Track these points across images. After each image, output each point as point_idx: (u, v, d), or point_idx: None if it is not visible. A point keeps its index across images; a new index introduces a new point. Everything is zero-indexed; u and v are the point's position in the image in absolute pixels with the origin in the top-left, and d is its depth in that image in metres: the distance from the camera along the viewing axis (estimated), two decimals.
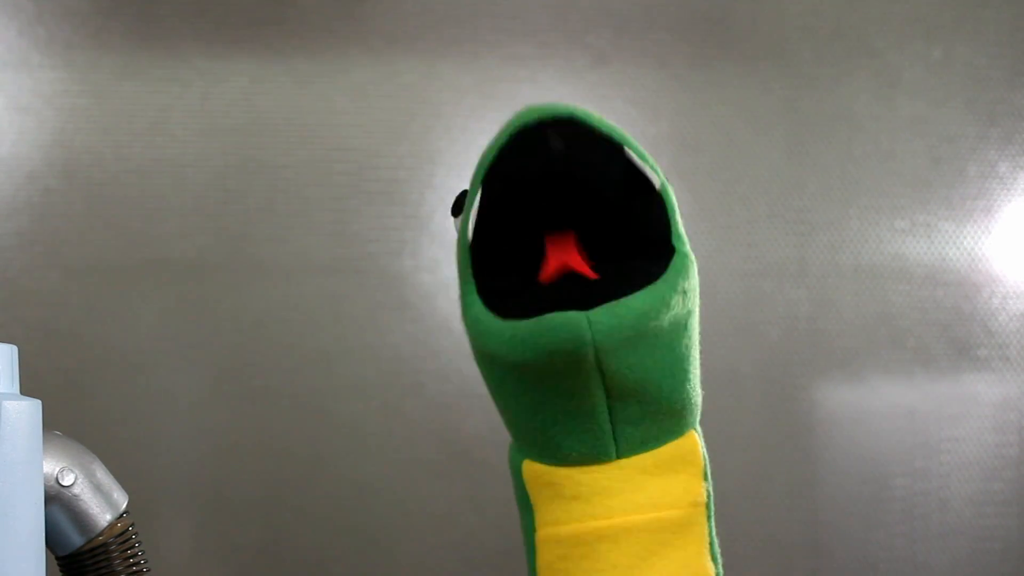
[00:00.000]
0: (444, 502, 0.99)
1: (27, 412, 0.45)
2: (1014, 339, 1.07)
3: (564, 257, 0.44)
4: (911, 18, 1.08)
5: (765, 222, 1.05)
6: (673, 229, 0.46)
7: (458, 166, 1.02)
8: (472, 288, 0.47)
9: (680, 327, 0.46)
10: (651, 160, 0.46)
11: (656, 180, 0.46)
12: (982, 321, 1.07)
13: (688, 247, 0.47)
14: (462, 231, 0.47)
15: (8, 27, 0.98)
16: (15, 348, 0.48)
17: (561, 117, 0.44)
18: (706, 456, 0.49)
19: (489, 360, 0.47)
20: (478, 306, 0.46)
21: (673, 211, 0.47)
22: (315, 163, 1.00)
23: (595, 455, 0.46)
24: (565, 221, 0.44)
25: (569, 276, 0.44)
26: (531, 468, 0.49)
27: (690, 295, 0.47)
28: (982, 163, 1.08)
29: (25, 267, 0.97)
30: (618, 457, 0.46)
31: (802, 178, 1.06)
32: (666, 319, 0.45)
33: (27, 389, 0.49)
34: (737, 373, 1.02)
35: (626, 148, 0.45)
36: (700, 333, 0.49)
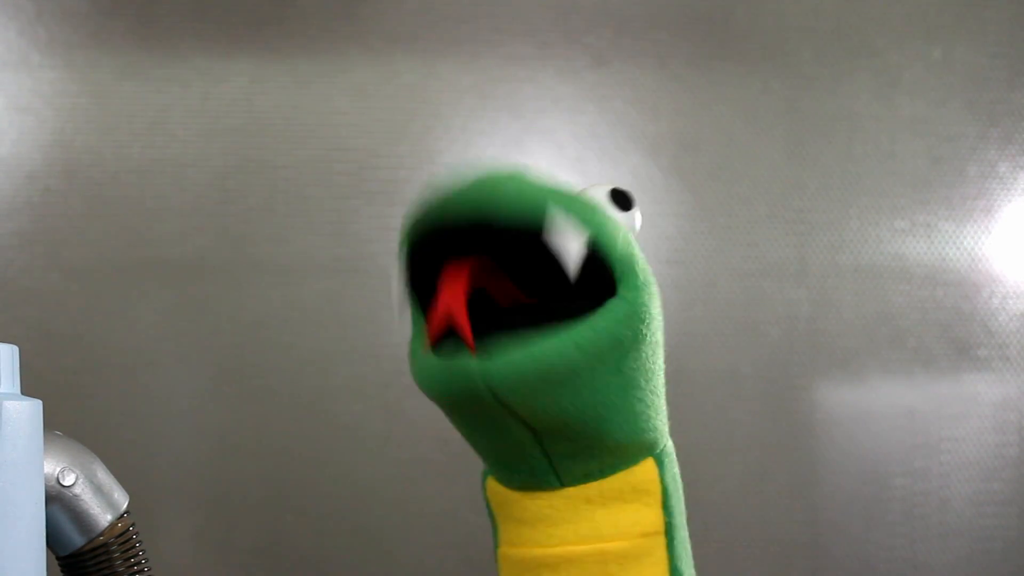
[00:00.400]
0: (444, 502, 0.99)
1: (28, 412, 0.45)
2: (1014, 339, 1.07)
3: (449, 302, 0.41)
4: (911, 18, 1.08)
5: (765, 222, 1.05)
6: (620, 274, 0.42)
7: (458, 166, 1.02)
8: (419, 329, 0.46)
9: (609, 367, 0.42)
10: (597, 221, 0.42)
11: (571, 270, 0.41)
12: (982, 321, 1.07)
13: (643, 289, 0.43)
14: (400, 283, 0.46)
15: (8, 27, 0.98)
16: (16, 348, 0.48)
17: (470, 215, 0.41)
18: (670, 483, 0.46)
19: (425, 392, 0.46)
20: (416, 342, 0.45)
21: (619, 259, 0.43)
22: (315, 163, 1.00)
23: (537, 483, 0.45)
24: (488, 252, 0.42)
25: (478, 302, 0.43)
26: (492, 486, 0.48)
27: (637, 339, 0.43)
28: (982, 163, 1.08)
29: (25, 267, 0.97)
30: (562, 486, 0.45)
31: (802, 178, 1.06)
32: (577, 360, 0.41)
33: (27, 389, 0.49)
34: (737, 373, 1.02)
35: (546, 235, 0.41)
36: (665, 358, 0.46)
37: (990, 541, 1.06)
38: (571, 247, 0.41)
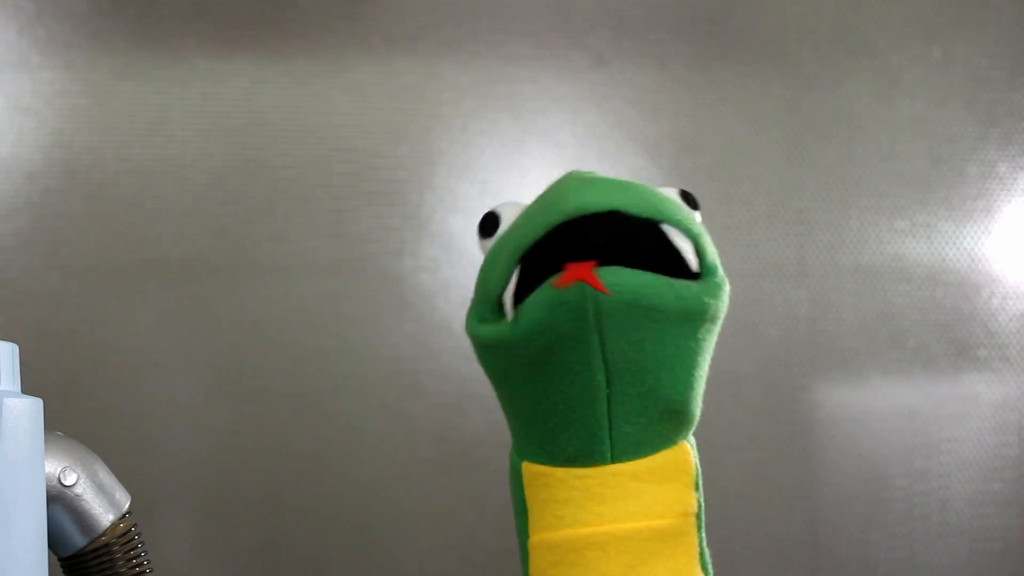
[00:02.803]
0: (444, 502, 0.99)
1: (28, 410, 0.45)
2: (1014, 339, 1.07)
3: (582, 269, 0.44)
4: (911, 18, 1.08)
5: (765, 222, 1.05)
6: (706, 272, 0.48)
7: (458, 166, 1.02)
8: (477, 307, 0.49)
9: (691, 325, 0.46)
10: (696, 231, 0.48)
11: (695, 264, 0.47)
12: (982, 321, 1.07)
13: (724, 279, 0.48)
14: (488, 286, 0.48)
15: (8, 27, 0.98)
16: (15, 347, 0.48)
17: (601, 212, 0.45)
18: (699, 467, 0.49)
19: (493, 351, 0.48)
20: (476, 319, 0.48)
21: (712, 264, 0.48)
22: (315, 163, 1.00)
23: (590, 454, 0.47)
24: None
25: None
26: (530, 469, 0.49)
27: (713, 317, 0.47)
28: (982, 163, 1.08)
29: (25, 267, 0.97)
30: (612, 461, 0.46)
31: (802, 178, 1.06)
32: (673, 306, 0.45)
33: (27, 389, 0.49)
34: (737, 373, 1.02)
35: (667, 230, 0.46)
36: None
37: (990, 542, 1.06)
38: (685, 246, 0.47)
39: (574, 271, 0.44)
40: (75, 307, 0.97)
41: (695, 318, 0.46)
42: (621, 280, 0.44)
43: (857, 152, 1.07)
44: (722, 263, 0.49)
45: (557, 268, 0.45)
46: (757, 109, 1.06)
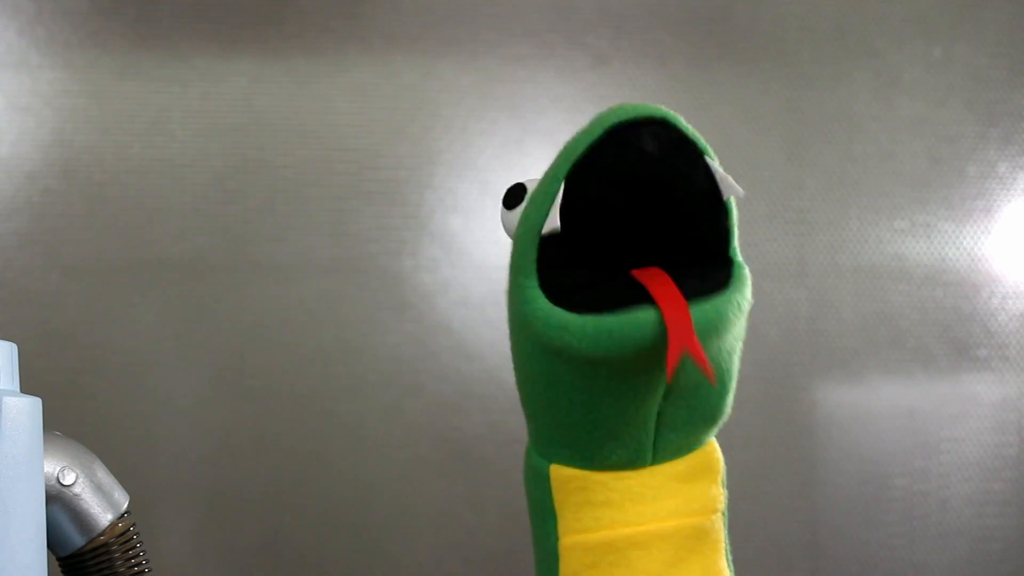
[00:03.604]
0: (444, 502, 0.99)
1: (27, 409, 0.45)
2: (1014, 339, 1.07)
3: (685, 338, 0.43)
4: (911, 18, 1.08)
5: (765, 222, 1.05)
6: (732, 241, 0.47)
7: (458, 166, 1.02)
8: (535, 282, 0.45)
9: (737, 338, 0.47)
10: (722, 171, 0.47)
11: (733, 191, 0.46)
12: (982, 321, 1.07)
13: (742, 259, 0.48)
14: (531, 221, 0.45)
15: (8, 27, 0.98)
16: (14, 346, 0.48)
17: (655, 118, 0.44)
18: (724, 463, 0.50)
19: (555, 354, 0.45)
20: (544, 300, 0.45)
21: (735, 225, 0.47)
22: (315, 163, 1.00)
23: (633, 461, 0.46)
24: (641, 223, 0.44)
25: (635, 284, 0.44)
26: (561, 472, 0.48)
27: (749, 307, 0.48)
28: (982, 163, 1.08)
29: (25, 267, 0.97)
30: (652, 463, 0.46)
31: (802, 178, 1.06)
32: (737, 326, 0.46)
33: (27, 389, 0.49)
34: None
35: (706, 156, 0.46)
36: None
37: (990, 541, 1.06)
38: (725, 188, 0.46)
39: (668, 309, 0.42)
40: (75, 307, 0.97)
41: (740, 331, 0.47)
42: (706, 317, 0.43)
43: (857, 152, 1.07)
44: None
45: (609, 183, 0.44)
46: (757, 109, 1.06)
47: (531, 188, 0.48)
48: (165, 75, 0.99)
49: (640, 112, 0.44)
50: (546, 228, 0.44)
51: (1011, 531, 1.06)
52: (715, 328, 0.44)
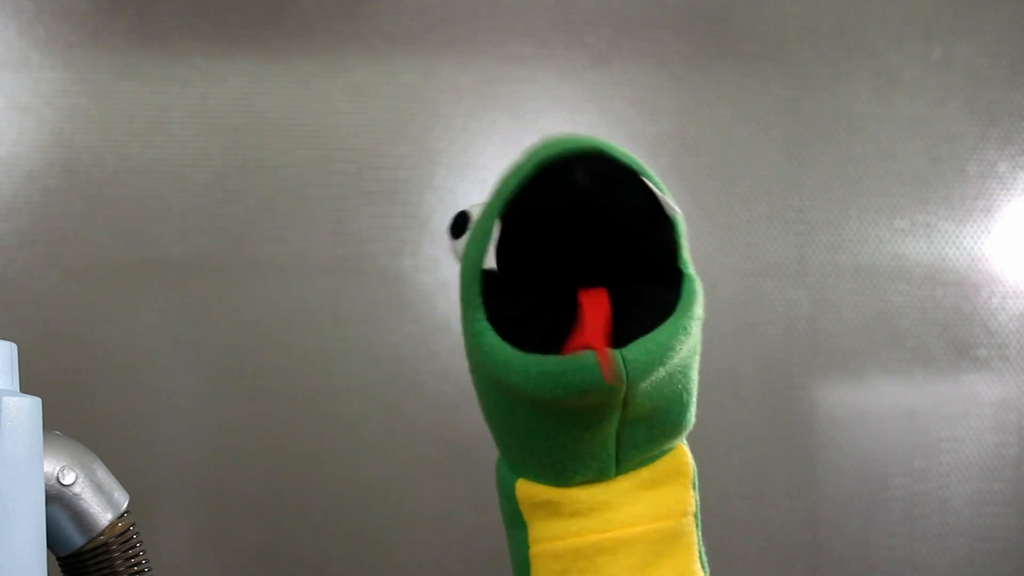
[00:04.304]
0: (444, 502, 0.99)
1: (27, 409, 0.45)
2: (1014, 339, 1.07)
3: (594, 335, 0.43)
4: (911, 18, 1.08)
5: (765, 222, 1.05)
6: (680, 254, 0.47)
7: (458, 166, 1.02)
8: (482, 315, 0.46)
9: (692, 352, 0.47)
10: (665, 188, 0.47)
11: (673, 211, 0.45)
12: (982, 321, 1.07)
13: (694, 271, 0.47)
14: (472, 256, 0.46)
15: (8, 27, 0.98)
16: (14, 346, 0.48)
17: (586, 150, 0.44)
18: (695, 467, 0.50)
19: (505, 390, 0.46)
20: (491, 335, 0.45)
21: (682, 237, 0.47)
22: (315, 163, 1.00)
23: (597, 477, 0.47)
24: (583, 249, 0.44)
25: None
26: (527, 488, 0.49)
27: (701, 320, 0.47)
28: (982, 163, 1.08)
29: (25, 267, 0.97)
30: (617, 474, 0.47)
31: (802, 178, 1.06)
32: (686, 348, 0.45)
33: (27, 389, 0.49)
34: (737, 373, 1.02)
35: (645, 179, 0.45)
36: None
37: (990, 541, 1.06)
38: (666, 206, 0.45)
39: (600, 351, 0.43)
40: (75, 307, 0.97)
41: (694, 346, 0.47)
42: (651, 356, 0.43)
43: (857, 152, 1.07)
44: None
45: (543, 217, 0.43)
46: (757, 109, 1.06)
47: (475, 214, 0.48)
48: (165, 75, 0.99)
49: (569, 146, 0.44)
50: (484, 266, 0.45)
51: (1011, 531, 1.06)
52: (659, 362, 0.44)
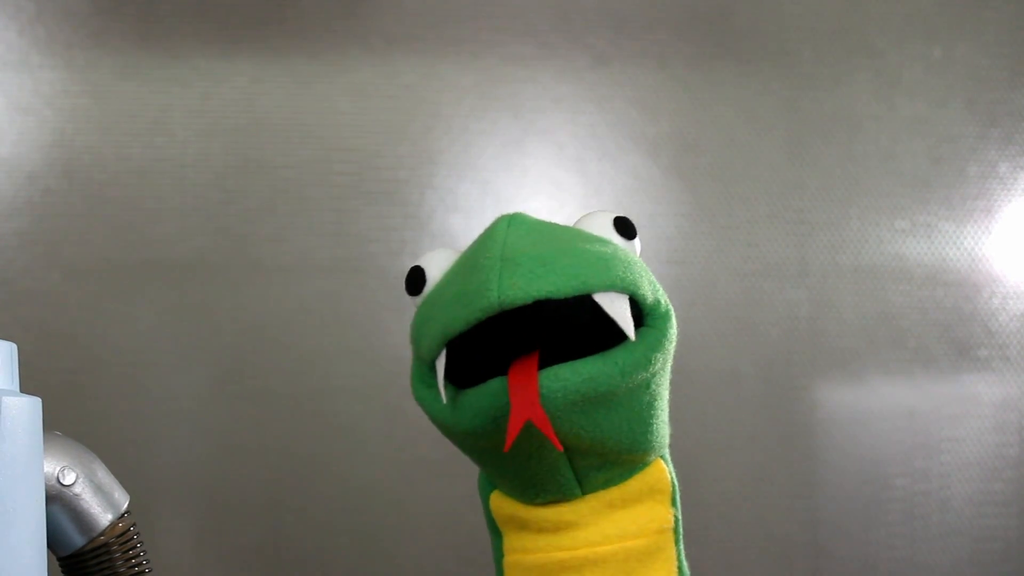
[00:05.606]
0: (444, 502, 0.99)
1: (27, 409, 0.45)
2: (1014, 339, 1.07)
3: (528, 409, 0.42)
4: (911, 18, 1.08)
5: (765, 222, 1.05)
6: (650, 310, 0.45)
7: (458, 166, 1.02)
8: (418, 368, 0.48)
9: (641, 387, 0.45)
10: (627, 284, 0.44)
11: (630, 333, 0.44)
12: (982, 321, 1.07)
13: (668, 318, 0.46)
14: (420, 351, 0.47)
15: (8, 27, 0.98)
16: (14, 346, 0.48)
17: (527, 303, 0.42)
18: (675, 481, 0.49)
19: (444, 430, 0.48)
20: (422, 389, 0.48)
21: (644, 297, 0.45)
22: (315, 163, 1.00)
23: (562, 497, 0.47)
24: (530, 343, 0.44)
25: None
26: (498, 500, 0.49)
27: (663, 360, 0.46)
28: (982, 163, 1.08)
29: (25, 267, 0.97)
30: (584, 494, 0.47)
31: (802, 178, 1.06)
32: (620, 384, 0.43)
33: (27, 389, 0.49)
34: (737, 373, 1.02)
35: (599, 298, 0.43)
36: (673, 373, 0.49)
37: (990, 541, 1.06)
38: (618, 308, 0.43)
39: (516, 382, 0.42)
40: (75, 307, 0.97)
41: (645, 379, 0.45)
42: (563, 384, 0.42)
43: (857, 152, 1.07)
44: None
45: (489, 355, 0.43)
46: (757, 109, 1.05)
47: (429, 267, 0.48)
48: (166, 75, 0.99)
49: (509, 303, 0.42)
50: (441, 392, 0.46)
51: (1011, 531, 1.06)
52: (574, 391, 0.42)
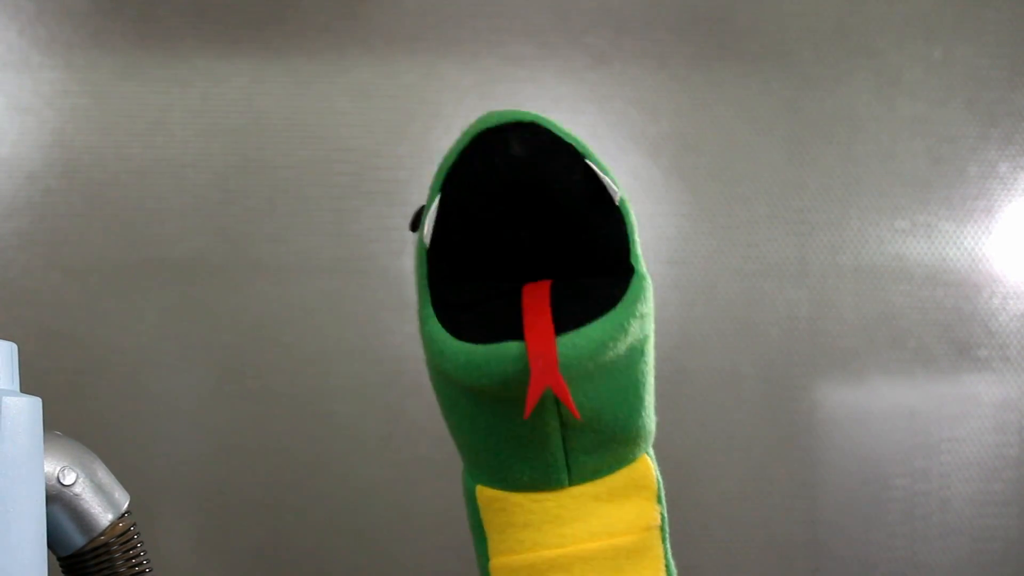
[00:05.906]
0: (444, 502, 0.99)
1: (27, 409, 0.45)
2: (1014, 339, 1.07)
3: (548, 376, 0.42)
4: (911, 18, 1.08)
5: (765, 222, 1.05)
6: (632, 248, 0.46)
7: None
8: (428, 300, 0.46)
9: (637, 352, 0.45)
10: (612, 173, 0.45)
11: (616, 193, 0.45)
12: (982, 321, 1.07)
13: (645, 268, 0.46)
14: (419, 239, 0.46)
15: (8, 27, 0.98)
16: (14, 346, 0.48)
17: (523, 122, 0.44)
18: (659, 479, 0.49)
19: (444, 379, 0.47)
20: (432, 322, 0.46)
21: (632, 229, 0.46)
22: (315, 163, 1.00)
23: (547, 481, 0.46)
24: (524, 229, 0.43)
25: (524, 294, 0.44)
26: (484, 493, 0.49)
27: (647, 319, 0.46)
28: (982, 163, 1.08)
29: (25, 267, 0.97)
30: (570, 484, 0.46)
31: (802, 178, 1.06)
32: (624, 346, 0.44)
33: (27, 389, 0.49)
34: (737, 373, 1.02)
35: (587, 159, 0.44)
36: (665, 358, 0.49)
37: (991, 541, 1.06)
38: (609, 187, 0.44)
39: (535, 350, 0.42)
40: (75, 307, 0.97)
41: (641, 347, 0.45)
42: (579, 352, 0.42)
43: (858, 152, 1.07)
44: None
45: (481, 184, 0.43)
46: (757, 109, 1.06)
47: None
48: (166, 75, 0.99)
49: (506, 117, 0.44)
50: (424, 240, 0.45)
51: (1012, 531, 1.06)
52: (588, 358, 0.43)
